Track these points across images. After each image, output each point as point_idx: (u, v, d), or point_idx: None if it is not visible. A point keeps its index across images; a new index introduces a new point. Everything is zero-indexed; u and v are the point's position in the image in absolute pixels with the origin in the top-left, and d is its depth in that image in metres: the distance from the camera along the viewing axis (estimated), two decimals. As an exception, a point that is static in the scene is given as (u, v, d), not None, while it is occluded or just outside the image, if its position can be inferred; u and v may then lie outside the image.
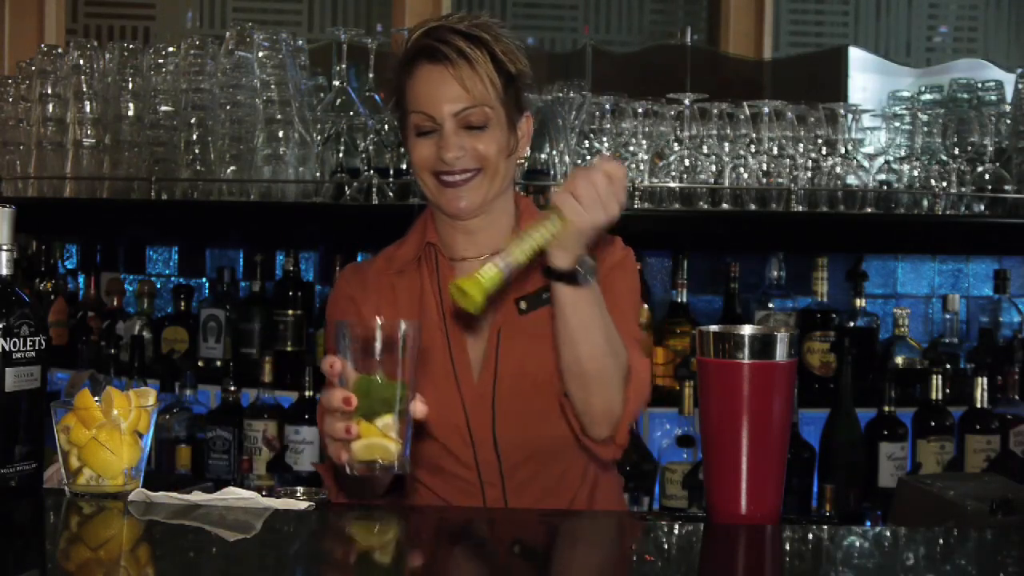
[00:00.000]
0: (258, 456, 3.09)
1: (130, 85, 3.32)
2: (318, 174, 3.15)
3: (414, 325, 1.61)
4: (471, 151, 1.93)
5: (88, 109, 3.38)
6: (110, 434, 1.66)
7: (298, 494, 1.88)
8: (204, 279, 3.62)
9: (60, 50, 3.47)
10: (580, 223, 1.72)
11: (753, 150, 3.18)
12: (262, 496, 1.64)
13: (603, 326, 1.82)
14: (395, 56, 2.03)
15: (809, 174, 3.18)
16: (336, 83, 3.18)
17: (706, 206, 3.09)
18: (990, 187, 3.27)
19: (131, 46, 3.36)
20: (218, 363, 3.30)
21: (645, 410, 3.07)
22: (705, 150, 3.15)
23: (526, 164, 2.12)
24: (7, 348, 1.65)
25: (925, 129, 3.29)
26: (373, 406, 1.56)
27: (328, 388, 1.62)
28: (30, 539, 1.55)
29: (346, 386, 1.57)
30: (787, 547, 1.56)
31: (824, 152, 3.22)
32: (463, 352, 1.98)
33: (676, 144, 3.15)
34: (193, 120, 3.20)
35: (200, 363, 3.31)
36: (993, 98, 3.53)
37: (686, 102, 3.13)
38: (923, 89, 3.65)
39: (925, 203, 3.22)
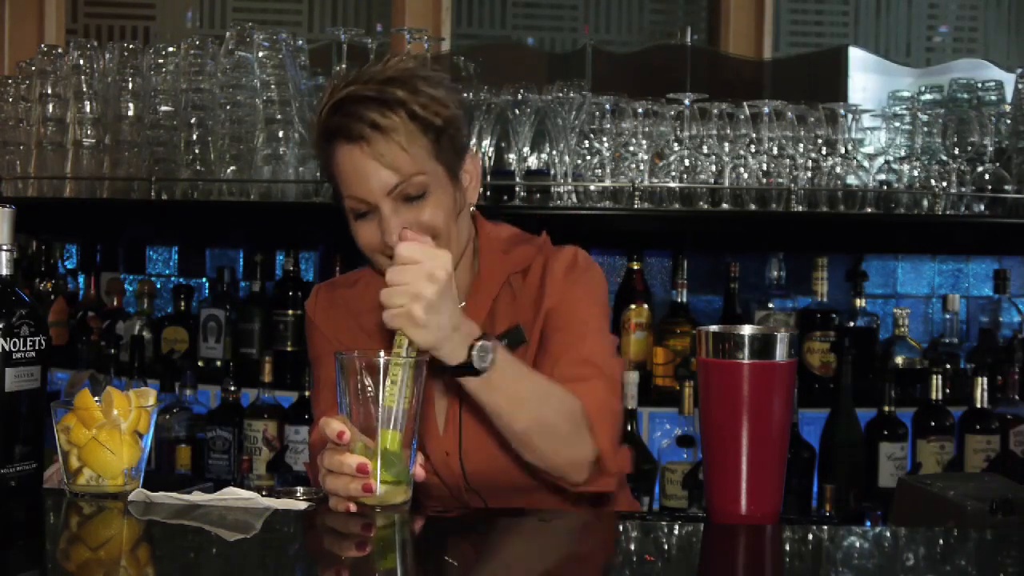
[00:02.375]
0: (258, 456, 3.09)
1: (130, 85, 3.32)
2: (318, 174, 3.14)
3: (422, 358, 1.62)
4: (416, 224, 1.80)
5: (88, 109, 3.38)
6: (110, 434, 1.66)
7: (298, 494, 1.88)
8: (204, 279, 3.62)
9: (60, 50, 3.47)
10: (423, 340, 1.60)
11: (753, 150, 3.18)
12: (262, 496, 1.64)
13: (529, 394, 1.72)
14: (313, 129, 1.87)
15: (809, 174, 3.18)
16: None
17: (706, 206, 3.09)
18: (990, 187, 3.27)
19: (131, 46, 3.36)
20: (218, 363, 3.30)
21: (644, 411, 3.09)
22: (705, 150, 3.15)
23: (474, 205, 1.99)
24: (7, 348, 1.65)
25: (925, 129, 3.29)
26: (387, 468, 1.59)
27: (332, 450, 1.61)
28: (30, 539, 1.55)
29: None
30: (787, 547, 1.56)
31: (824, 152, 3.22)
32: (428, 403, 1.91)
33: (676, 144, 3.15)
34: (193, 120, 3.20)
35: (200, 363, 3.31)
36: (993, 98, 3.53)
37: (686, 102, 3.13)
38: (923, 89, 3.65)
39: (925, 203, 3.22)
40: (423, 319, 1.59)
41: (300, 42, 3.29)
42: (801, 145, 3.19)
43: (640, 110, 3.15)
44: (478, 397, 1.71)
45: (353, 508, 1.60)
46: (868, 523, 2.92)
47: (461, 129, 1.87)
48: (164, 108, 3.25)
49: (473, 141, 2.99)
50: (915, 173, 3.25)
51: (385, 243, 1.80)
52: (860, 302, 3.30)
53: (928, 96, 3.60)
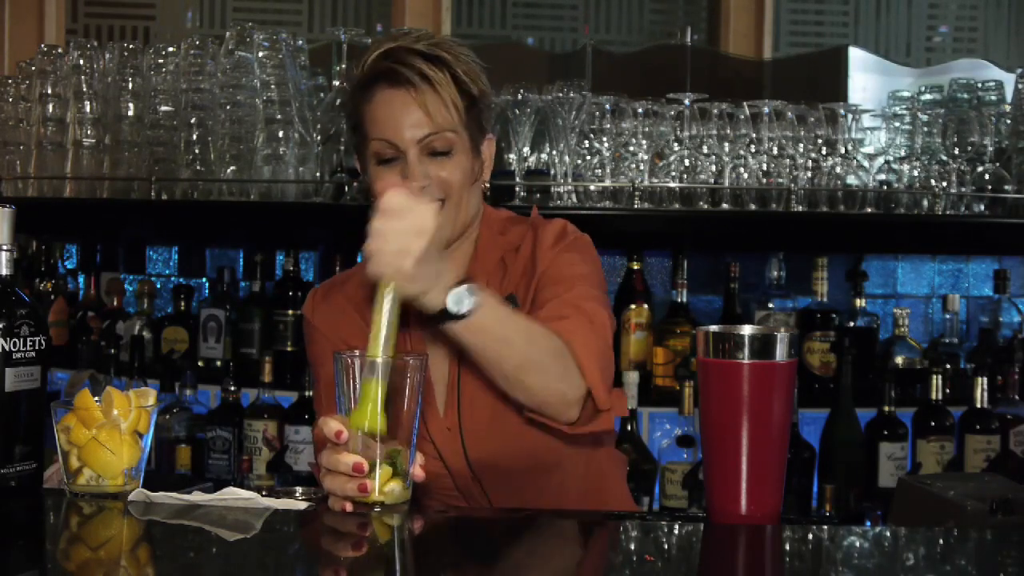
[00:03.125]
0: (258, 456, 3.09)
1: (130, 85, 3.32)
2: (318, 174, 3.15)
3: (420, 359, 1.62)
4: (435, 179, 1.87)
5: (88, 109, 3.38)
6: (110, 434, 1.66)
7: (298, 494, 1.88)
8: (204, 279, 3.62)
9: (60, 50, 3.47)
10: (411, 290, 1.64)
11: (753, 150, 3.18)
12: (262, 496, 1.64)
13: (513, 333, 1.75)
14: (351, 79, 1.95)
15: (809, 174, 3.18)
16: (336, 83, 3.18)
17: (706, 206, 3.09)
18: (990, 187, 3.27)
19: (131, 46, 3.37)
20: (218, 363, 3.30)
21: (644, 411, 3.09)
22: (705, 150, 3.15)
23: (488, 191, 2.05)
24: (7, 348, 1.65)
25: (925, 129, 3.29)
26: (389, 470, 1.60)
27: (330, 449, 1.61)
28: (30, 539, 1.55)
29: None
30: (787, 547, 1.56)
31: (824, 152, 3.22)
32: (427, 386, 1.92)
33: (676, 144, 3.15)
34: (193, 120, 3.20)
35: (200, 363, 3.31)
36: (993, 98, 3.53)
37: (686, 102, 3.13)
38: (923, 89, 3.65)
39: (925, 203, 3.23)
40: (412, 272, 1.62)
41: (300, 42, 3.29)
42: (801, 145, 3.19)
43: (640, 110, 3.15)
44: (462, 340, 1.73)
45: (350, 507, 1.60)
46: (868, 523, 2.92)
47: (489, 107, 1.97)
48: (164, 108, 3.25)
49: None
50: (915, 173, 3.25)
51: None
52: (860, 302, 3.30)
53: (928, 96, 3.60)
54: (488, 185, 2.04)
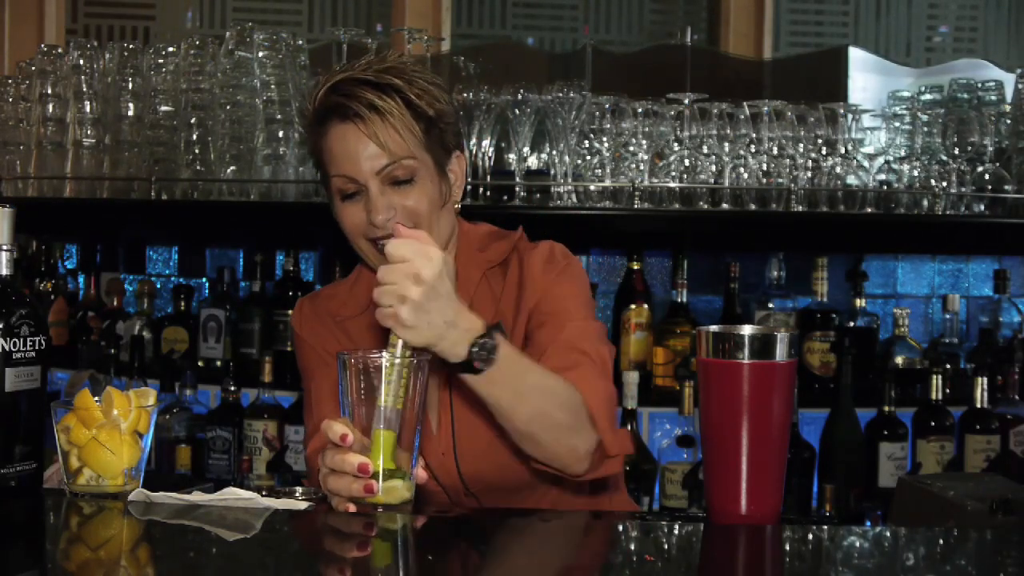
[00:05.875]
0: (258, 456, 3.09)
1: (130, 85, 3.33)
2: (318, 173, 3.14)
3: (421, 358, 1.62)
4: (401, 209, 1.84)
5: (88, 109, 3.38)
6: (110, 434, 1.66)
7: (298, 494, 1.88)
8: (204, 279, 3.62)
9: (60, 50, 3.47)
10: (413, 340, 1.60)
11: (753, 150, 3.18)
12: (262, 496, 1.64)
13: (531, 387, 1.72)
14: (306, 114, 1.91)
15: (809, 174, 3.18)
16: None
17: (706, 206, 3.09)
18: (990, 187, 3.27)
19: (131, 46, 3.37)
20: (218, 363, 3.30)
21: (644, 411, 3.09)
22: (705, 150, 3.15)
23: (460, 207, 2.01)
24: (7, 348, 1.65)
25: (925, 129, 3.28)
26: (389, 469, 1.59)
27: (333, 449, 1.60)
28: (30, 539, 1.55)
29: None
30: (787, 547, 1.56)
31: (824, 152, 3.22)
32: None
33: (676, 144, 3.15)
34: (193, 120, 3.20)
35: (200, 363, 3.31)
36: (993, 98, 3.53)
37: (686, 102, 3.13)
38: (923, 89, 3.65)
39: (925, 203, 3.22)
40: (409, 320, 1.58)
41: (300, 42, 3.29)
42: (801, 145, 3.19)
43: (640, 110, 3.14)
44: (479, 391, 1.70)
45: (353, 508, 1.60)
46: (868, 523, 2.92)
47: (451, 125, 1.92)
48: (164, 108, 3.25)
49: (473, 141, 3.00)
50: (915, 173, 3.25)
51: (370, 224, 1.84)
52: (860, 302, 3.30)
53: (928, 96, 3.60)
54: (459, 207, 1.99)
